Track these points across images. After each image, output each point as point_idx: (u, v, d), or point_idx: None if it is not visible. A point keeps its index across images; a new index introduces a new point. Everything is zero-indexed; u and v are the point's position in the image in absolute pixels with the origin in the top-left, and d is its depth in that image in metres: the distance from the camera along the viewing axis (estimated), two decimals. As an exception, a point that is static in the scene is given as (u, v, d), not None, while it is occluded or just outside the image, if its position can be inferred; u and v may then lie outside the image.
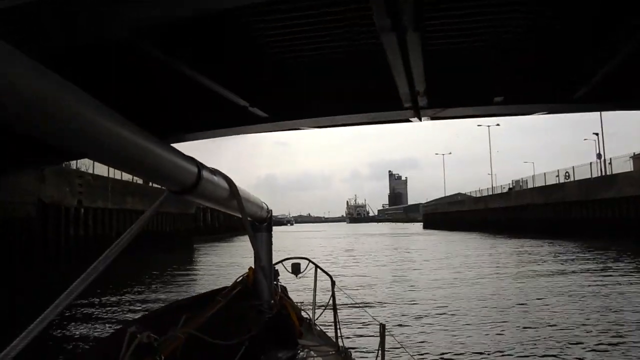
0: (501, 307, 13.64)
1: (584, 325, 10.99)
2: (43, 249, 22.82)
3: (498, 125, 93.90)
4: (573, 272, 20.65)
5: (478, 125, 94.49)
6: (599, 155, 51.14)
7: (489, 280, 19.21)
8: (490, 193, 75.79)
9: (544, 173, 56.59)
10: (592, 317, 11.74)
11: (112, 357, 2.43)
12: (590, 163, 47.66)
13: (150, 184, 43.06)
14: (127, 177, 37.22)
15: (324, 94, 12.56)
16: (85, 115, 1.51)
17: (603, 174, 45.32)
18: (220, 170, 3.09)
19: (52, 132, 1.44)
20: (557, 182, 52.07)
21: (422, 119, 14.82)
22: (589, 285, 16.66)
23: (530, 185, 61.24)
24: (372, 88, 12.05)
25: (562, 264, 23.81)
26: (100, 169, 32.82)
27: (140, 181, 40.49)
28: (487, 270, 22.56)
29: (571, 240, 36.92)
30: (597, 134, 56.66)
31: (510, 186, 68.99)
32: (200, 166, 2.54)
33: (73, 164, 28.30)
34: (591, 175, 46.14)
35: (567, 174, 50.67)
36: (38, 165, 21.70)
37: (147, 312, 5.64)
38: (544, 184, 55.18)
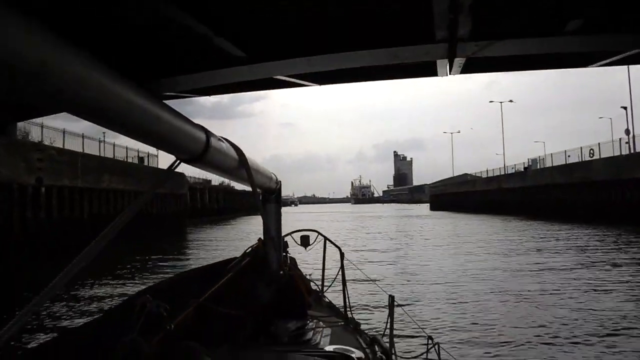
0: (512, 288, 13.48)
1: (605, 320, 10.01)
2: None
3: (511, 101, 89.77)
4: (604, 261, 18.24)
5: (490, 102, 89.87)
6: (627, 131, 47.14)
7: (501, 262, 18.59)
8: (501, 173, 71.93)
9: (565, 151, 52.44)
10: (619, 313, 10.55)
11: (122, 327, 2.51)
12: (620, 139, 43.40)
13: (132, 159, 39.48)
14: (106, 151, 33.64)
15: (320, 20, 8.68)
16: (92, 78, 1.43)
17: (632, 151, 41.11)
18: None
19: (44, 92, 1.31)
20: (580, 160, 47.93)
21: (455, 64, 10.97)
22: (617, 280, 14.39)
23: (547, 165, 56.97)
24: (395, 9, 8.14)
25: (589, 252, 20.95)
26: (73, 143, 29.15)
27: (120, 157, 36.88)
28: (500, 253, 21.60)
29: (598, 225, 33.43)
30: (625, 108, 52.20)
31: (526, 165, 64.82)
32: (208, 133, 2.45)
33: (34, 134, 24.59)
34: (621, 152, 41.83)
35: (591, 152, 46.53)
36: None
37: (159, 282, 4.76)
38: (564, 163, 51.03)
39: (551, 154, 56.39)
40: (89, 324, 3.17)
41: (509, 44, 9.58)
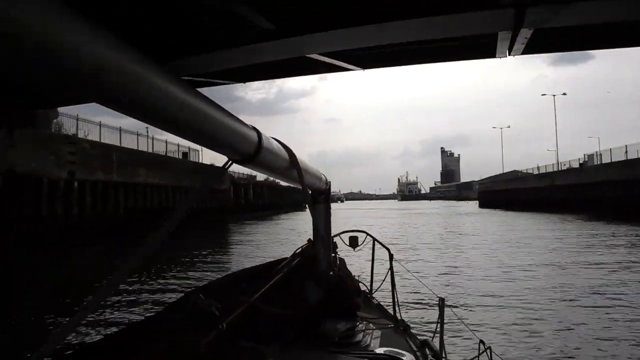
0: (569, 291, 12.98)
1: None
2: (12, 231, 18.15)
3: (564, 94, 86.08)
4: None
5: (542, 95, 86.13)
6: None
7: (558, 264, 17.72)
8: (554, 169, 68.94)
9: (625, 145, 49.41)
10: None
11: (175, 325, 2.75)
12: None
13: (170, 153, 38.69)
14: (143, 145, 32.89)
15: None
16: (148, 80, 1.47)
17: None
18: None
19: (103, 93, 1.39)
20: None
21: (519, 41, 9.31)
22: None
23: (605, 161, 53.85)
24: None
25: None
26: (108, 136, 28.39)
27: (160, 151, 36.11)
28: (556, 254, 20.49)
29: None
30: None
31: (581, 161, 61.75)
32: (260, 134, 2.51)
33: (66, 127, 23.84)
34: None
35: (654, 146, 43.66)
36: (5, 115, 16.95)
37: (209, 282, 5.17)
38: (624, 159, 48.03)
39: (610, 149, 53.30)
40: (142, 322, 3.21)
41: (593, 7, 7.98)
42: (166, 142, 36.86)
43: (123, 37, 1.39)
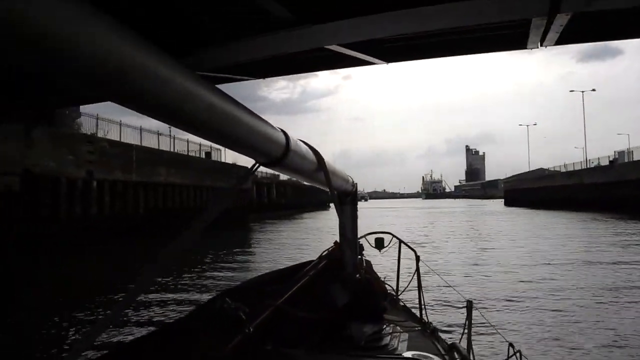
0: (602, 292, 12.61)
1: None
2: (29, 232, 17.86)
3: (594, 90, 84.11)
4: None
5: (570, 91, 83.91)
6: None
7: (589, 265, 17.31)
8: (582, 167, 67.40)
9: (657, 142, 47.89)
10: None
11: (203, 327, 2.72)
12: None
13: (194, 153, 38.35)
14: (164, 144, 32.60)
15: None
16: (169, 78, 1.42)
17: None
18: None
19: (130, 95, 1.38)
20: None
21: (552, 30, 8.84)
22: None
23: (637, 158, 52.26)
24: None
25: None
26: (129, 135, 28.12)
27: (181, 150, 35.81)
28: (588, 256, 19.56)
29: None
30: None
31: (611, 158, 60.15)
32: (288, 137, 2.47)
33: (86, 126, 23.59)
34: None
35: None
36: (23, 113, 16.69)
37: (236, 285, 5.02)
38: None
39: (642, 145, 51.74)
40: (169, 325, 3.23)
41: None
42: (187, 141, 36.50)
43: (138, 31, 1.33)
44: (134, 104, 1.42)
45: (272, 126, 2.29)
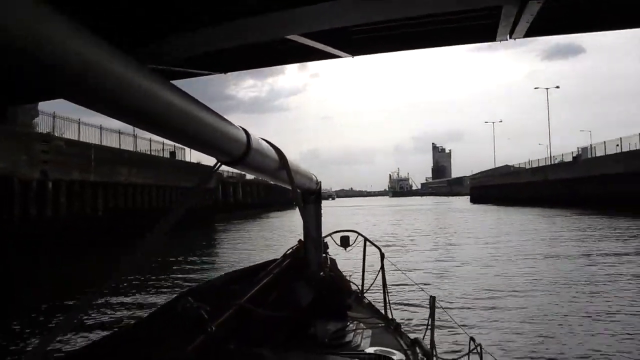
0: (561, 287, 13.07)
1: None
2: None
3: (558, 87, 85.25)
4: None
5: (535, 88, 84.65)
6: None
7: (549, 261, 17.63)
8: (546, 163, 68.27)
9: (620, 138, 48.67)
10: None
11: (164, 327, 2.70)
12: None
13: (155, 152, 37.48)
14: (126, 143, 31.68)
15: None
16: (133, 82, 1.44)
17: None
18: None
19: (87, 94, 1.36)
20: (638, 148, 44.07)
21: (523, 19, 8.51)
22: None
23: (599, 154, 53.01)
24: None
25: None
26: (88, 133, 27.17)
27: (144, 150, 34.94)
28: (548, 251, 20.22)
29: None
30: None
31: (574, 154, 60.96)
32: (249, 135, 2.48)
33: (43, 124, 22.68)
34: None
35: (650, 138, 42.86)
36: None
37: (200, 284, 5.34)
38: (618, 152, 47.23)
39: (604, 142, 52.42)
40: (130, 326, 3.28)
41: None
42: (150, 140, 35.59)
43: (83, 23, 1.25)
44: (84, 101, 1.37)
45: (232, 124, 2.28)
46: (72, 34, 1.16)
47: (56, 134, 23.73)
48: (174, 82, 1.90)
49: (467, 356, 4.03)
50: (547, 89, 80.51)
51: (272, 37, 8.89)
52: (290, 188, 3.33)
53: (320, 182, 4.78)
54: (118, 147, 29.75)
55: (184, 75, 11.38)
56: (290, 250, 4.93)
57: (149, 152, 35.58)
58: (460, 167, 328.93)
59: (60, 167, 21.41)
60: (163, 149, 38.13)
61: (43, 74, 1.15)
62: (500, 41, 10.26)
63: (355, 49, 11.09)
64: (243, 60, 11.76)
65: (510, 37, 9.73)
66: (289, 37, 8.90)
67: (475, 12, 8.72)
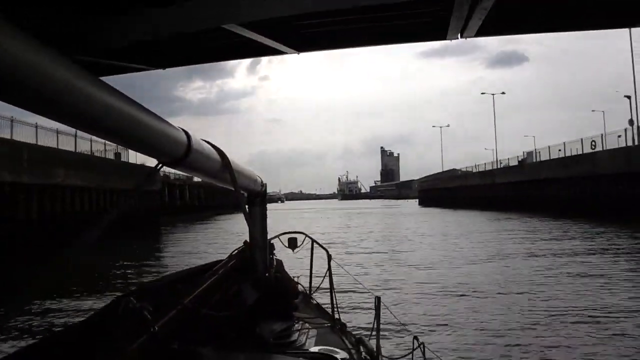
0: (503, 286, 13.53)
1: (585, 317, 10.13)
2: None
3: (503, 93, 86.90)
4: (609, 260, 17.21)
5: (482, 94, 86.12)
6: (631, 122, 44.39)
7: (492, 262, 18.14)
8: (493, 167, 69.30)
9: (563, 143, 49.61)
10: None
11: (107, 328, 2.61)
12: (625, 129, 40.32)
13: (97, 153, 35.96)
14: (66, 143, 30.17)
15: None
16: (68, 83, 1.43)
17: (638, 142, 38.07)
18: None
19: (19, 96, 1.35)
20: (580, 152, 44.99)
21: (475, 17, 7.96)
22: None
23: (544, 158, 53.97)
24: None
25: (596, 253, 19.34)
26: (27, 133, 25.68)
27: (85, 150, 33.43)
28: (491, 253, 20.72)
29: (603, 221, 30.72)
30: (629, 97, 48.83)
31: (520, 158, 61.96)
32: (190, 136, 2.46)
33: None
34: (626, 143, 38.79)
35: (593, 143, 43.68)
36: None
37: (141, 284, 5.52)
38: (562, 156, 48.16)
39: (548, 147, 53.35)
40: (71, 328, 3.05)
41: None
42: (91, 140, 34.04)
43: None
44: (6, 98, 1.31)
45: (171, 125, 2.27)
46: None
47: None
48: (111, 77, 2.17)
49: (410, 355, 4.13)
50: (493, 94, 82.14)
51: (207, 25, 8.13)
52: (234, 190, 3.24)
53: (266, 184, 4.69)
54: (56, 147, 28.22)
55: (118, 70, 10.49)
56: (236, 251, 4.82)
57: (89, 153, 34.02)
58: (408, 171, 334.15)
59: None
60: (105, 150, 36.63)
61: None
62: (450, 40, 9.83)
63: (301, 44, 10.45)
64: (182, 54, 10.97)
65: (462, 37, 9.31)
66: (228, 27, 8.15)
67: (427, 6, 8.20)
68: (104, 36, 8.25)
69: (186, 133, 2.42)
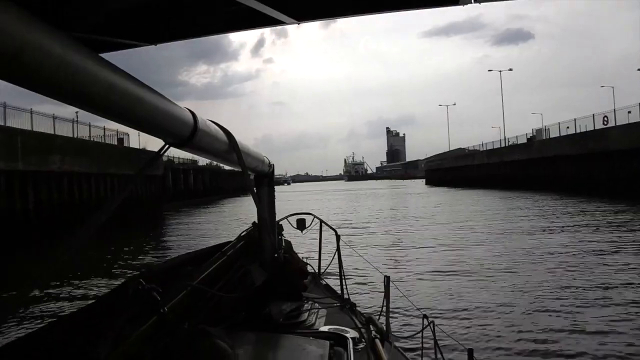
0: (512, 264, 13.16)
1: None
2: None
3: (511, 70, 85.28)
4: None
5: (489, 70, 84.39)
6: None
7: (500, 241, 17.69)
8: (500, 146, 68.15)
9: (574, 119, 48.47)
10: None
11: (116, 310, 2.58)
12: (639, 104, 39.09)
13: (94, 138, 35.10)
14: (64, 129, 29.38)
15: None
16: (72, 62, 1.39)
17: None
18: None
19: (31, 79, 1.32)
20: (591, 129, 43.88)
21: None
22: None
23: (554, 135, 52.70)
24: None
25: (601, 230, 18.74)
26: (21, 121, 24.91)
27: (84, 135, 32.63)
28: (499, 231, 20.29)
29: (614, 199, 30.08)
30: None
31: (529, 136, 60.79)
32: (195, 116, 2.45)
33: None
34: (640, 119, 37.65)
35: (605, 119, 42.58)
36: None
37: (150, 267, 5.54)
38: (572, 132, 47.07)
39: (558, 124, 52.10)
40: (81, 310, 2.95)
41: None
42: (89, 125, 33.19)
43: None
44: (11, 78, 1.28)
45: (177, 105, 2.22)
46: None
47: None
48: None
49: (420, 333, 4.05)
50: (500, 71, 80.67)
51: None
52: (241, 170, 3.24)
53: (273, 164, 4.70)
54: (53, 132, 27.42)
55: (109, 46, 9.70)
56: (245, 232, 4.84)
57: (89, 138, 33.16)
58: (414, 151, 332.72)
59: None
60: (104, 135, 35.77)
61: None
62: (464, 5, 8.97)
63: (302, 13, 9.65)
64: (170, 29, 10.12)
65: (475, 1, 8.43)
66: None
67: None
68: (89, 6, 7.54)
69: (192, 113, 2.39)
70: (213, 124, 2.82)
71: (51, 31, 1.29)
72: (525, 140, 60.80)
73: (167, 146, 2.40)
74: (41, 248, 17.50)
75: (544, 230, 19.45)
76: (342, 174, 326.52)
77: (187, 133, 2.32)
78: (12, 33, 1.14)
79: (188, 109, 2.38)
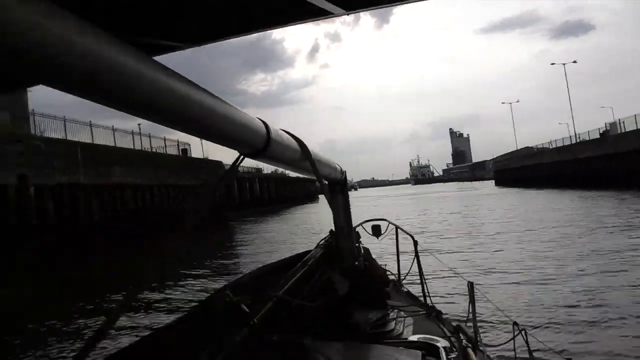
0: (604, 270, 12.02)
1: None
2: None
3: (575, 62, 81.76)
4: None
5: (551, 64, 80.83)
6: None
7: (588, 243, 16.14)
8: (571, 143, 65.09)
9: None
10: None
11: (206, 322, 2.74)
12: None
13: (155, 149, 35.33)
14: (124, 141, 29.68)
15: None
16: (146, 75, 1.36)
17: None
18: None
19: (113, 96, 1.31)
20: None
21: None
22: None
23: (630, 129, 49.47)
24: None
25: None
26: (81, 133, 25.24)
27: (146, 147, 32.91)
28: (587, 233, 18.53)
29: None
30: None
31: (602, 130, 57.74)
32: (268, 126, 2.44)
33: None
34: None
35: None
36: None
37: (237, 278, 4.82)
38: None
39: (634, 116, 48.94)
40: (171, 324, 3.01)
41: None
42: (149, 136, 33.49)
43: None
44: (75, 90, 1.21)
45: (249, 116, 2.21)
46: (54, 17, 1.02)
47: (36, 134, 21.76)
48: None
49: (512, 341, 3.92)
50: (564, 64, 77.34)
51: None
52: (315, 179, 3.28)
53: (345, 171, 4.73)
54: (113, 145, 27.78)
55: (160, 49, 9.38)
56: (323, 241, 4.95)
57: (150, 149, 33.43)
58: (479, 151, 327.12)
59: (40, 169, 19.43)
60: (165, 146, 36.00)
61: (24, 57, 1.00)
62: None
63: (349, 1, 9.04)
64: (213, 29, 9.69)
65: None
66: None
67: None
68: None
69: (264, 123, 2.39)
70: (285, 134, 2.76)
71: (123, 45, 1.24)
72: (597, 136, 57.80)
73: (241, 157, 2.36)
74: (109, 255, 18.17)
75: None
76: (409, 177, 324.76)
77: (261, 144, 2.30)
78: (90, 50, 1.09)
79: (260, 119, 2.36)
